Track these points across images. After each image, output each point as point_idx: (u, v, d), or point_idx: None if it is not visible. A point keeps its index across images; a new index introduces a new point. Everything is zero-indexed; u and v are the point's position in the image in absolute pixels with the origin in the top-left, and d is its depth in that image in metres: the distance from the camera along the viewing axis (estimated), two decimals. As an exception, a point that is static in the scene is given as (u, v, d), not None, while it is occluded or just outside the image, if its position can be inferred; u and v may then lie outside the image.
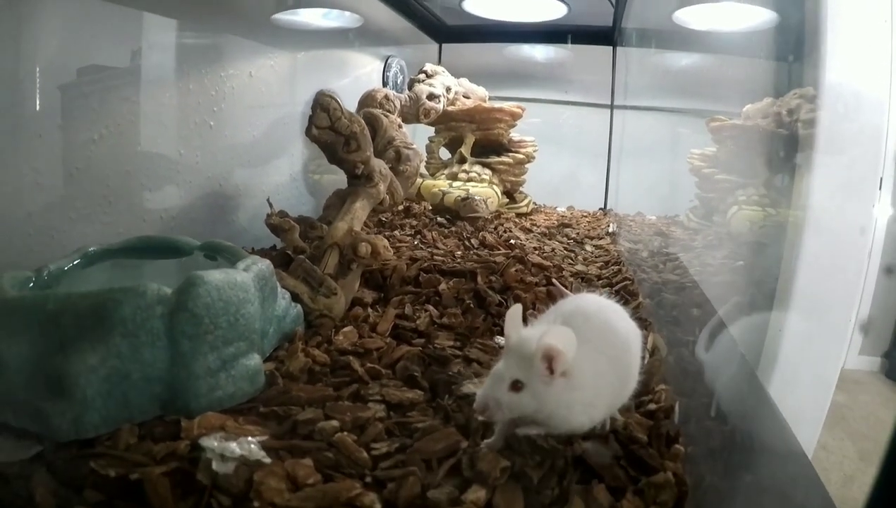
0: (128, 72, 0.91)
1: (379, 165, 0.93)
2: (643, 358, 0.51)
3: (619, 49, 1.70)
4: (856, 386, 2.58)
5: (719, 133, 1.28)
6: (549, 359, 0.40)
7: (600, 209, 1.75)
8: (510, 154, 1.51)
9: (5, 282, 0.51)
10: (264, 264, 0.63)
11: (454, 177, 1.45)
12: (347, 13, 1.52)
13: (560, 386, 0.40)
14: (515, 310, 0.43)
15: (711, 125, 1.26)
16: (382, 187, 0.91)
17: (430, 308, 0.73)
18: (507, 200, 1.52)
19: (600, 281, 0.85)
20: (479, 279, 0.78)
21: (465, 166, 1.46)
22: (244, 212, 1.24)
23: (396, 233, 1.16)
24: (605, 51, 1.72)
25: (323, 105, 0.80)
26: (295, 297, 0.71)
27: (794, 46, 0.67)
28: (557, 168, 1.77)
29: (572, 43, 1.72)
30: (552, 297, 0.61)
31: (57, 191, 0.81)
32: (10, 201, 0.74)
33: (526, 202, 1.55)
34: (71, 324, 0.45)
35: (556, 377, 0.40)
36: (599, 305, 0.49)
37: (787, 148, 0.79)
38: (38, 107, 0.77)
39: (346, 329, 0.65)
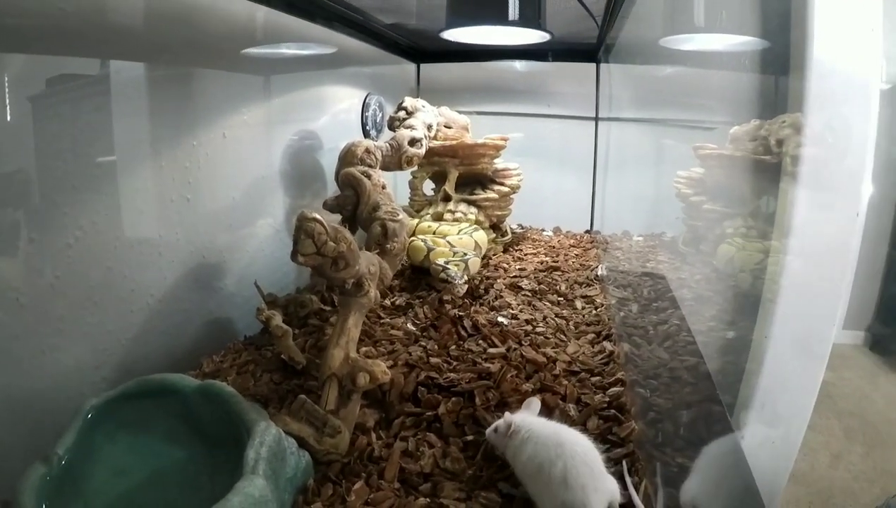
0: (98, 167, 0.87)
1: (367, 263, 0.92)
2: None
3: (602, 65, 1.65)
4: (841, 362, 2.68)
5: (707, 160, 1.28)
6: None
7: (587, 232, 1.75)
8: (495, 187, 1.49)
9: (27, 501, 0.53)
10: (270, 436, 0.64)
11: (439, 218, 1.43)
12: (319, 46, 1.44)
13: None
14: None
15: (700, 152, 1.26)
16: (373, 292, 0.90)
17: (433, 439, 0.76)
18: (494, 234, 1.51)
19: (594, 380, 0.87)
20: (476, 400, 0.80)
21: (451, 205, 1.44)
22: (231, 276, 1.23)
23: (387, 301, 1.16)
24: (588, 66, 1.67)
25: (307, 231, 0.78)
26: (300, 441, 0.73)
27: (780, 67, 0.68)
28: (542, 183, 1.76)
29: (554, 60, 1.67)
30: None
31: (41, 306, 0.79)
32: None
33: (510, 235, 1.55)
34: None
35: None
36: None
37: (774, 178, 0.81)
38: (6, 223, 0.74)
39: (356, 487, 0.67)
